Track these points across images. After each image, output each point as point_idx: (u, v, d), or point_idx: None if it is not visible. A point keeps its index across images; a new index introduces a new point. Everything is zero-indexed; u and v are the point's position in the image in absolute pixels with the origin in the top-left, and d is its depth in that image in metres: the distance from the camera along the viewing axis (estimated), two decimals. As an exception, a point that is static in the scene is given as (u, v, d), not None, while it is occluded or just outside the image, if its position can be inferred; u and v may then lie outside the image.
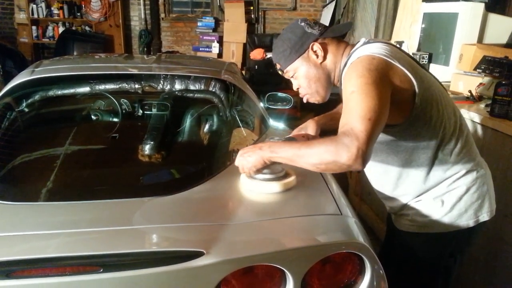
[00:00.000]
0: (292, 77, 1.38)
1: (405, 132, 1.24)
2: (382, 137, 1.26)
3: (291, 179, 1.42)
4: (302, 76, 1.34)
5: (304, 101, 1.42)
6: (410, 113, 1.21)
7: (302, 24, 1.33)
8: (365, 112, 1.06)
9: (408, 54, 1.33)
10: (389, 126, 1.22)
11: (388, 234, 1.59)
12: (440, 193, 1.32)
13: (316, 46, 1.30)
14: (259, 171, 1.34)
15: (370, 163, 1.36)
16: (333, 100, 1.47)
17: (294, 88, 1.42)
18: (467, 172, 1.31)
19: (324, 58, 1.31)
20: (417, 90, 1.19)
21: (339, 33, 1.35)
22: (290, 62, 1.34)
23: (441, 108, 1.26)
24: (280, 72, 1.41)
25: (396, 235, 1.44)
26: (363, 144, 1.03)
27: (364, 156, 1.04)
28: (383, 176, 1.40)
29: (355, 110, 1.08)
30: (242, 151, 1.35)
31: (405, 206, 1.39)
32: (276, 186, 1.38)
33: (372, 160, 1.36)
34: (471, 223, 1.33)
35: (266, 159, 1.27)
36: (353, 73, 1.15)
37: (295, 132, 1.64)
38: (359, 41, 1.30)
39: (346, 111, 1.12)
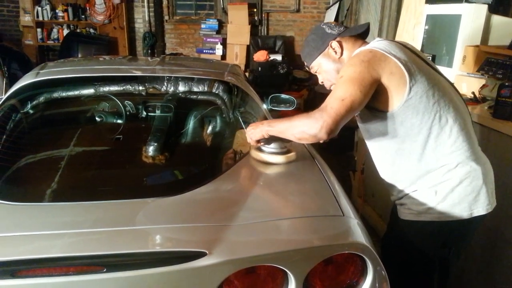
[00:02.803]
0: (316, 72, 1.57)
1: (396, 119, 1.37)
2: (375, 123, 1.42)
3: (292, 154, 1.65)
4: (325, 70, 1.53)
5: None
6: (400, 102, 1.33)
7: (324, 26, 1.54)
8: (341, 94, 1.29)
9: (413, 51, 1.43)
10: (382, 111, 1.37)
11: (389, 225, 1.68)
12: (435, 183, 1.39)
13: (334, 44, 1.49)
14: (258, 141, 1.62)
15: (371, 148, 1.54)
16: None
17: (320, 82, 1.61)
18: (459, 164, 1.37)
19: (342, 54, 1.49)
20: (407, 82, 1.32)
21: (355, 32, 1.51)
22: (313, 59, 1.53)
23: (435, 100, 1.34)
24: (307, 69, 1.61)
25: (395, 225, 1.54)
26: (329, 118, 1.28)
27: (328, 128, 1.28)
28: (381, 160, 1.53)
29: (336, 91, 1.32)
30: (251, 124, 1.64)
31: (403, 195, 1.47)
32: (280, 158, 1.62)
33: (371, 145, 1.53)
34: (465, 215, 1.39)
35: (264, 133, 1.53)
36: (348, 62, 1.38)
37: None
38: (373, 40, 1.45)
39: (331, 92, 1.35)
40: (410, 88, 1.32)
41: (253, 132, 1.59)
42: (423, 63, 1.40)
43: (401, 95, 1.32)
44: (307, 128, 1.32)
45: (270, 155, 1.63)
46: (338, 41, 1.48)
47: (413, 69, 1.33)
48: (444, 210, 1.39)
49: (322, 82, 1.58)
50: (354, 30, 1.52)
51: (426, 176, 1.40)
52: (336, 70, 1.49)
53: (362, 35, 1.53)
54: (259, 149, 1.66)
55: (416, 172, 1.41)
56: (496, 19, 2.68)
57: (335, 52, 1.49)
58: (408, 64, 1.33)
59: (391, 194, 1.55)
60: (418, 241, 1.46)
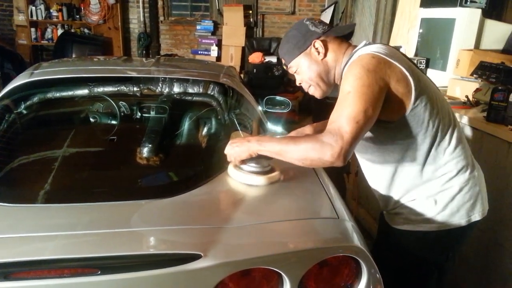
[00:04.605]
0: (295, 72, 1.44)
1: (401, 129, 1.29)
2: (378, 134, 1.33)
3: (275, 174, 1.48)
4: (304, 71, 1.41)
5: (310, 93, 1.49)
6: (406, 110, 1.26)
7: (307, 22, 1.41)
8: (355, 114, 1.15)
9: (406, 56, 1.38)
10: (386, 122, 1.28)
11: (380, 233, 1.64)
12: (434, 192, 1.36)
13: (318, 44, 1.37)
14: (244, 162, 1.43)
15: (367, 161, 1.44)
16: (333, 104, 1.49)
17: (297, 83, 1.49)
18: (460, 172, 1.35)
19: (325, 55, 1.38)
20: (413, 88, 1.24)
21: (341, 33, 1.41)
22: (294, 57, 1.41)
23: (436, 108, 1.30)
24: (285, 67, 1.48)
25: (390, 233, 1.48)
26: (347, 144, 1.14)
27: (345, 154, 1.15)
28: (379, 173, 1.44)
29: (347, 110, 1.16)
30: (231, 141, 1.44)
31: (400, 204, 1.42)
32: (261, 179, 1.44)
33: (369, 158, 1.43)
34: (463, 222, 1.37)
35: (252, 152, 1.36)
36: (352, 71, 1.22)
37: (293, 134, 1.68)
38: (360, 43, 1.36)
39: (338, 108, 1.20)
40: (417, 96, 1.24)
41: (238, 151, 1.39)
42: (417, 69, 1.35)
43: (407, 103, 1.25)
44: (319, 155, 1.16)
45: (249, 174, 1.44)
46: (322, 41, 1.36)
47: (416, 75, 1.26)
48: (443, 219, 1.36)
49: (300, 83, 1.46)
50: (340, 31, 1.41)
51: (425, 185, 1.36)
52: (317, 72, 1.38)
53: (346, 36, 1.43)
54: (237, 167, 1.47)
55: (415, 182, 1.37)
56: (490, 23, 2.71)
57: (318, 53, 1.37)
58: (411, 70, 1.26)
59: (385, 205, 1.49)
60: (415, 250, 1.42)
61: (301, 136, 1.43)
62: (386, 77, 1.21)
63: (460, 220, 1.36)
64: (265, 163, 1.46)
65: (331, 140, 1.15)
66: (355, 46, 1.37)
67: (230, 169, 1.50)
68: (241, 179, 1.46)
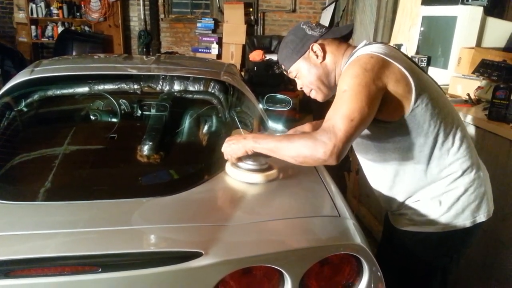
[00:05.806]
0: (295, 77, 1.44)
1: (402, 129, 1.28)
2: (378, 134, 1.32)
3: (273, 171, 1.48)
4: (304, 75, 1.40)
5: (312, 96, 1.48)
6: (407, 110, 1.25)
7: (304, 26, 1.40)
8: (350, 112, 1.15)
9: (406, 56, 1.36)
10: (386, 122, 1.28)
11: (385, 233, 1.62)
12: (438, 193, 1.34)
13: (316, 47, 1.36)
14: (240, 159, 1.44)
15: (368, 161, 1.43)
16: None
17: (298, 88, 1.48)
18: (465, 172, 1.33)
19: (324, 58, 1.37)
20: (413, 88, 1.23)
21: (339, 35, 1.40)
22: (293, 62, 1.41)
23: (438, 108, 1.29)
24: (285, 73, 1.48)
25: (394, 233, 1.47)
26: (340, 142, 1.13)
27: (338, 153, 1.14)
28: (381, 173, 1.43)
29: (342, 108, 1.17)
30: (228, 138, 1.45)
31: (403, 205, 1.41)
32: (258, 177, 1.44)
33: (370, 158, 1.42)
34: (467, 223, 1.35)
35: (248, 149, 1.36)
36: (350, 71, 1.22)
37: (291, 132, 1.68)
38: (360, 43, 1.35)
39: (334, 106, 1.20)
40: (417, 96, 1.23)
41: (234, 148, 1.40)
42: (418, 68, 1.34)
43: (407, 104, 1.24)
44: (312, 152, 1.16)
45: (247, 172, 1.45)
46: (320, 44, 1.36)
47: (416, 75, 1.25)
48: (448, 220, 1.34)
49: (301, 88, 1.46)
50: (337, 32, 1.41)
51: (429, 186, 1.35)
52: (317, 75, 1.38)
53: (345, 37, 1.42)
54: (234, 165, 1.48)
55: (419, 183, 1.35)
56: (491, 21, 2.70)
57: (317, 56, 1.36)
58: (411, 69, 1.24)
59: (389, 206, 1.48)
60: (419, 252, 1.41)
61: (296, 134, 1.43)
62: (384, 77, 1.20)
63: (465, 221, 1.35)
64: (262, 161, 1.46)
65: (324, 137, 1.15)
66: (355, 47, 1.36)
67: (228, 167, 1.50)
68: (238, 177, 1.46)
